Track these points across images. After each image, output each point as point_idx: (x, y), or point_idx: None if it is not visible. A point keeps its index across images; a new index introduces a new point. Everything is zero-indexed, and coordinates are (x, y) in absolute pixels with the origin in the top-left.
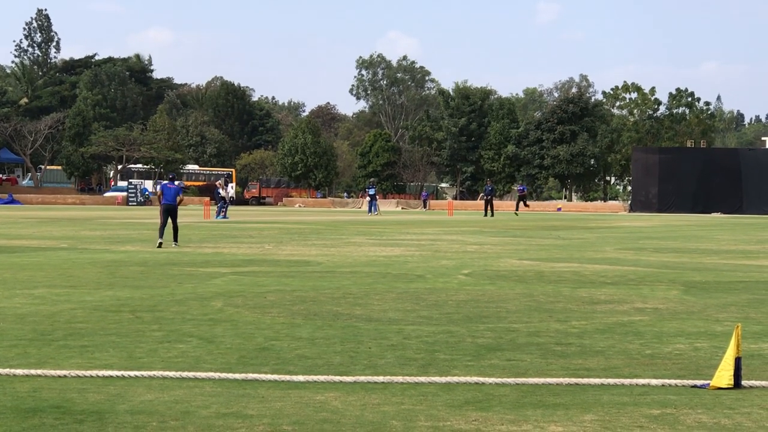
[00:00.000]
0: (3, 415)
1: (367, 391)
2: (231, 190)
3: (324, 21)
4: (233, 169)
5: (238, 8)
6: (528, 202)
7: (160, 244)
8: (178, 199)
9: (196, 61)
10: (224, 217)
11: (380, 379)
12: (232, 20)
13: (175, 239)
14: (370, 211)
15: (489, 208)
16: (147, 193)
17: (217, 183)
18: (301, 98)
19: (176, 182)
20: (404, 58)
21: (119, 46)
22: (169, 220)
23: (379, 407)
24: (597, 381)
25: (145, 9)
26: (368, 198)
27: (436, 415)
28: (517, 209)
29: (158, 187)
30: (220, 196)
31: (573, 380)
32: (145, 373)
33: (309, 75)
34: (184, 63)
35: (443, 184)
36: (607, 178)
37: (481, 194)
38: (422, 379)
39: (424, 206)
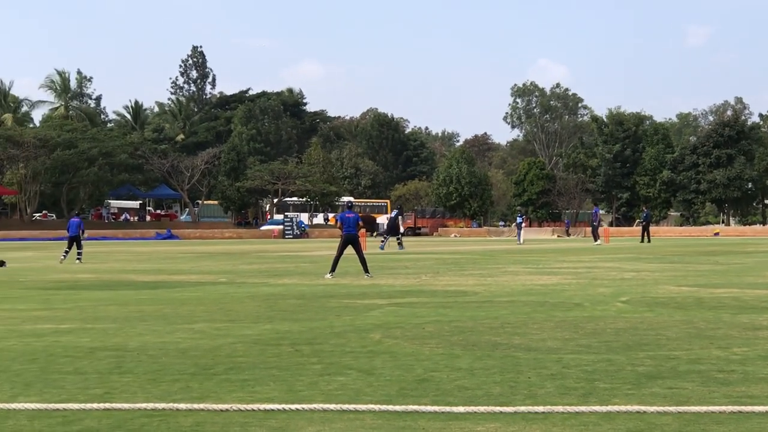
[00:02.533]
0: None
1: (528, 421)
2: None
3: (472, 51)
4: (388, 200)
5: (388, 40)
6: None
7: (331, 277)
8: (357, 227)
9: (348, 94)
10: (381, 248)
11: (540, 409)
12: (382, 52)
13: (366, 270)
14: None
15: (645, 233)
16: (303, 225)
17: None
18: (454, 128)
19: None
20: (557, 85)
21: (272, 80)
22: (354, 253)
23: None
24: (761, 409)
25: (297, 43)
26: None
27: None
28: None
29: (336, 217)
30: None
31: (736, 408)
32: (306, 406)
33: (461, 105)
34: (336, 96)
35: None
36: (766, 201)
37: (638, 220)
38: (583, 408)
39: (567, 234)
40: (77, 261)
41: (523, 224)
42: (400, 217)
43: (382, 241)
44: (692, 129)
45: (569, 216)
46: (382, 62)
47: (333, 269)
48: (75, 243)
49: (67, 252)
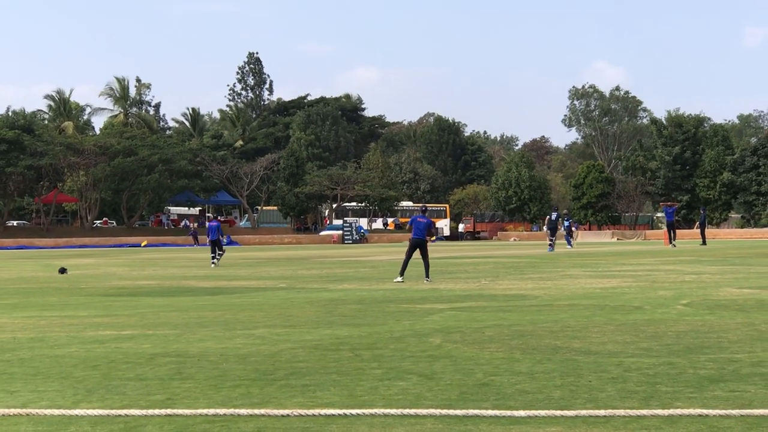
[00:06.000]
0: None
1: (589, 425)
2: (445, 226)
3: (528, 54)
4: (447, 205)
5: (445, 45)
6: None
7: (401, 281)
8: (428, 232)
9: (405, 99)
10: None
11: (602, 412)
12: (438, 56)
13: (427, 275)
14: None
15: (702, 235)
16: (362, 230)
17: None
18: (513, 132)
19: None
20: (617, 88)
21: (328, 86)
22: (420, 257)
23: None
24: None
25: (353, 49)
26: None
27: None
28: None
29: (410, 220)
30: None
31: None
32: (367, 411)
33: (518, 108)
34: (392, 100)
35: (659, 214)
36: None
37: (697, 223)
38: (644, 412)
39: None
40: (212, 265)
41: (572, 227)
42: (559, 218)
43: (551, 243)
44: (753, 130)
45: (630, 219)
46: (438, 67)
47: (402, 273)
48: (216, 246)
49: (213, 256)
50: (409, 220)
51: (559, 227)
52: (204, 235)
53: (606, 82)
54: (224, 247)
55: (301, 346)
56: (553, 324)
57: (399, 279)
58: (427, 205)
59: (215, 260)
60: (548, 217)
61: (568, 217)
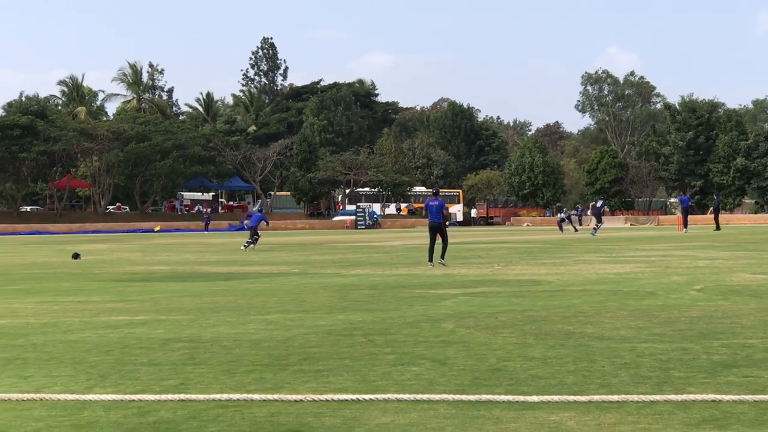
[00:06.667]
0: None
1: (602, 410)
2: (458, 211)
3: (541, 39)
4: (460, 190)
5: (457, 30)
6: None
7: (432, 266)
8: (443, 215)
9: (418, 84)
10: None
11: (615, 398)
12: (452, 42)
13: (442, 256)
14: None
15: (715, 221)
16: (375, 216)
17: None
18: (526, 117)
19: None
20: (631, 73)
21: (342, 71)
22: (438, 238)
23: (614, 427)
24: None
25: (366, 34)
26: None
27: None
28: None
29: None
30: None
31: None
32: (380, 396)
33: (531, 93)
34: (405, 86)
35: (672, 199)
36: None
37: (710, 208)
38: (657, 397)
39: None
40: (242, 247)
41: (578, 215)
42: (605, 207)
43: (594, 228)
44: (767, 115)
45: (643, 204)
46: (451, 52)
47: (430, 259)
48: (253, 232)
49: (249, 241)
50: (423, 205)
51: (603, 213)
52: (217, 221)
53: (619, 68)
54: (234, 232)
55: (314, 332)
56: (566, 309)
57: (430, 265)
58: (440, 189)
59: (251, 244)
60: (593, 204)
61: (579, 208)
